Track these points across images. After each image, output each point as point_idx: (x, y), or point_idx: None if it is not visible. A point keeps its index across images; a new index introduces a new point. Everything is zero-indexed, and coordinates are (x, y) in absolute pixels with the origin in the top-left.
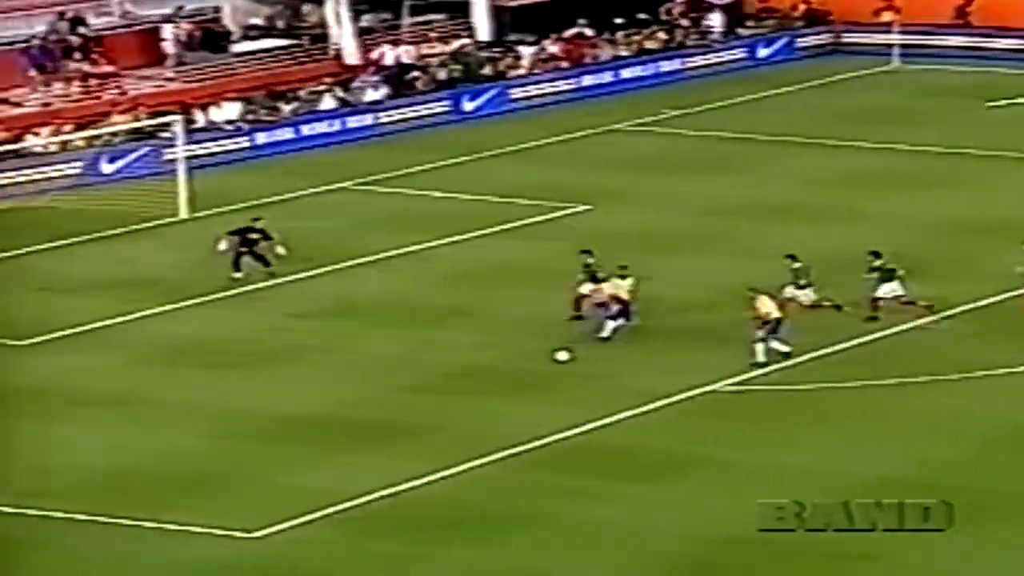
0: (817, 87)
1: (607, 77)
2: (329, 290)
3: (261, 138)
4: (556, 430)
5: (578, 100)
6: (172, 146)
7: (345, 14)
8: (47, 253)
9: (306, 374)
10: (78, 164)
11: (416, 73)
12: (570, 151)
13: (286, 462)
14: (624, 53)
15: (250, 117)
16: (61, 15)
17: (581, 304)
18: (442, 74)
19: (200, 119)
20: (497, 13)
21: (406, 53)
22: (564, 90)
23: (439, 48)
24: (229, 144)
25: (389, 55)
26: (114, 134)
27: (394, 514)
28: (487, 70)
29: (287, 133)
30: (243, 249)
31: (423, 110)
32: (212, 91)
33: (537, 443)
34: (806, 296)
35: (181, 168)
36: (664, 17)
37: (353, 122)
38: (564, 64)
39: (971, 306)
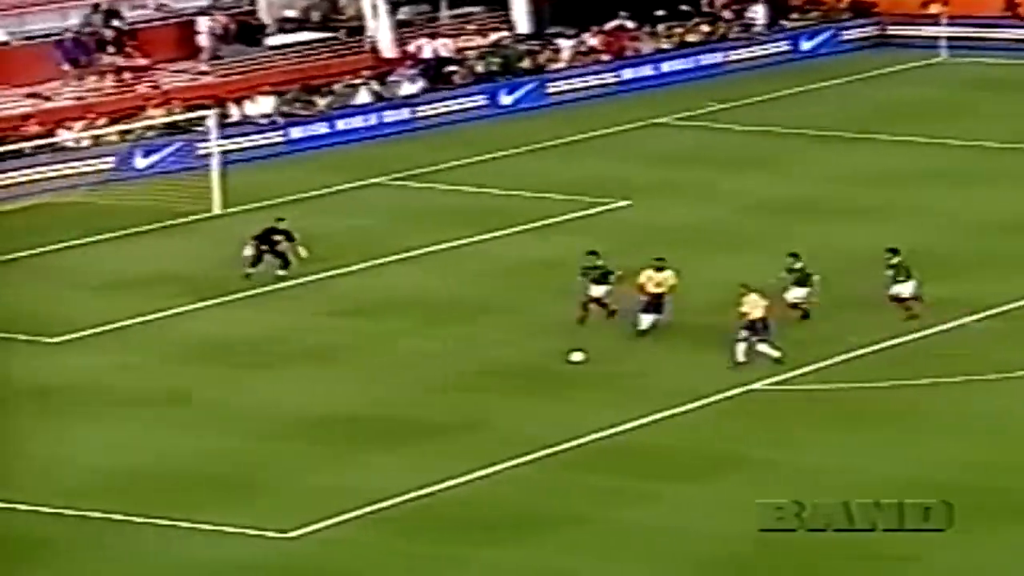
0: (862, 81)
1: (648, 70)
2: (363, 287)
3: (296, 133)
4: (592, 430)
5: (618, 94)
6: (206, 141)
7: (382, 6)
8: (79, 249)
9: (339, 373)
10: (111, 159)
11: (454, 67)
12: (609, 146)
13: (319, 462)
14: (665, 46)
15: (285, 111)
16: (95, 7)
17: (589, 308)
18: (480, 67)
19: (234, 113)
20: (536, 5)
21: (444, 46)
22: (604, 84)
23: (477, 41)
24: (263, 139)
25: (426, 48)
26: (148, 128)
27: (427, 515)
28: (526, 63)
29: (322, 128)
30: (264, 247)
31: (460, 104)
32: (247, 85)
33: (572, 443)
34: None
35: (215, 163)
36: (706, 9)
37: (389, 116)
38: (604, 57)
39: (1013, 306)
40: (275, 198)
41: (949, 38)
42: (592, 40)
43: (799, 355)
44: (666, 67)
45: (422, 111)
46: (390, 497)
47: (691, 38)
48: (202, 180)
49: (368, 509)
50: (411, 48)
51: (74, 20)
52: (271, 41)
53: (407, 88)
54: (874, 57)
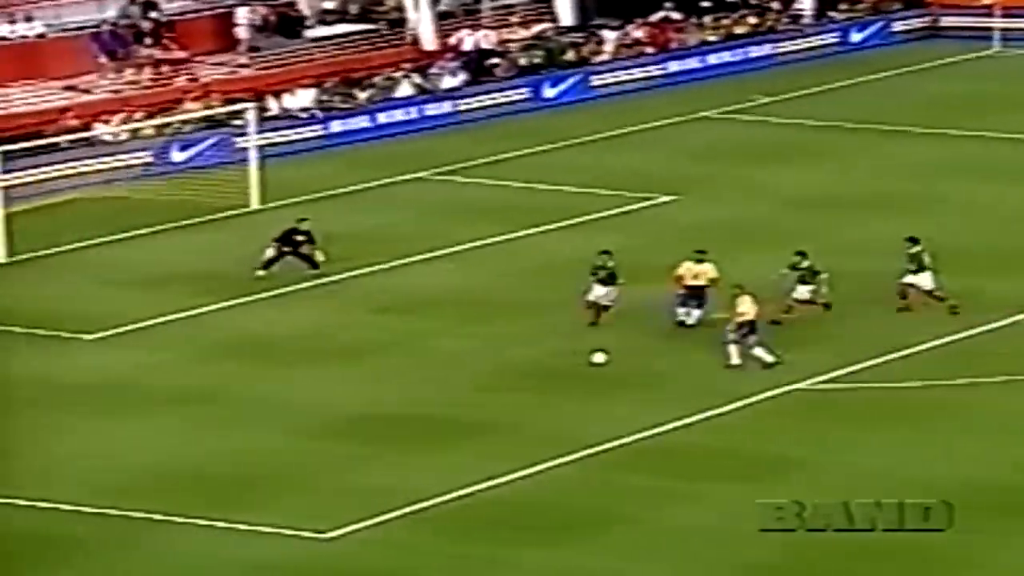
0: (913, 73)
1: (694, 63)
2: (400, 284)
3: (336, 126)
4: (635, 429)
5: (663, 87)
6: (244, 134)
7: None
8: (115, 245)
9: (379, 371)
10: (148, 153)
11: (496, 59)
12: (655, 140)
13: (357, 461)
14: (712, 38)
15: (324, 104)
16: None
17: (600, 312)
18: (523, 60)
19: (273, 106)
20: None
21: (486, 38)
22: (649, 76)
23: (520, 33)
24: (303, 132)
25: (468, 40)
26: (185, 122)
27: (468, 515)
28: (569, 56)
29: (362, 121)
30: (286, 249)
31: (503, 97)
32: (286, 78)
33: (616, 443)
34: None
35: (253, 157)
36: (753, 0)
37: (430, 110)
38: (649, 49)
39: None
40: (314, 193)
41: (1003, 29)
42: (637, 32)
43: (840, 355)
44: (712, 60)
45: (464, 104)
46: (430, 497)
47: (738, 30)
48: (240, 175)
49: (407, 509)
50: (452, 40)
51: (111, 12)
52: (311, 33)
53: (449, 81)
54: (925, 49)
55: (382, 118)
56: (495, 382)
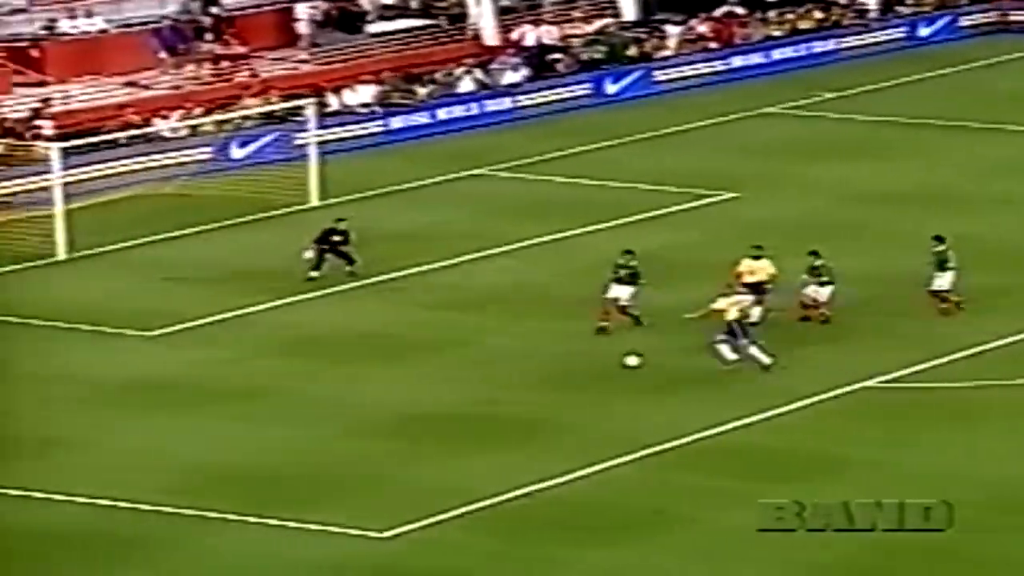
0: (982, 68)
1: (758, 58)
2: (461, 281)
3: (396, 122)
4: (696, 429)
5: (727, 82)
6: (304, 131)
7: None
8: (174, 241)
9: (434, 369)
10: (208, 149)
11: (558, 54)
12: (717, 136)
13: (415, 460)
14: (776, 33)
15: (385, 100)
16: None
17: (610, 314)
18: (585, 55)
19: (333, 103)
20: None
21: (547, 34)
22: (712, 72)
23: (582, 28)
24: (363, 129)
25: (530, 36)
26: (245, 118)
27: (527, 515)
28: (632, 51)
29: (423, 117)
30: (324, 247)
31: (564, 93)
32: (346, 74)
33: (675, 443)
34: (816, 292)
35: (313, 153)
36: None
37: (491, 105)
38: (713, 45)
39: None
40: (373, 190)
41: None
42: (700, 27)
43: (903, 354)
44: (777, 55)
45: (525, 100)
46: (488, 497)
47: (803, 25)
48: (299, 171)
49: (465, 509)
50: (514, 36)
51: (172, 7)
52: (371, 29)
53: (510, 77)
54: (994, 44)
55: (443, 114)
56: (552, 381)
